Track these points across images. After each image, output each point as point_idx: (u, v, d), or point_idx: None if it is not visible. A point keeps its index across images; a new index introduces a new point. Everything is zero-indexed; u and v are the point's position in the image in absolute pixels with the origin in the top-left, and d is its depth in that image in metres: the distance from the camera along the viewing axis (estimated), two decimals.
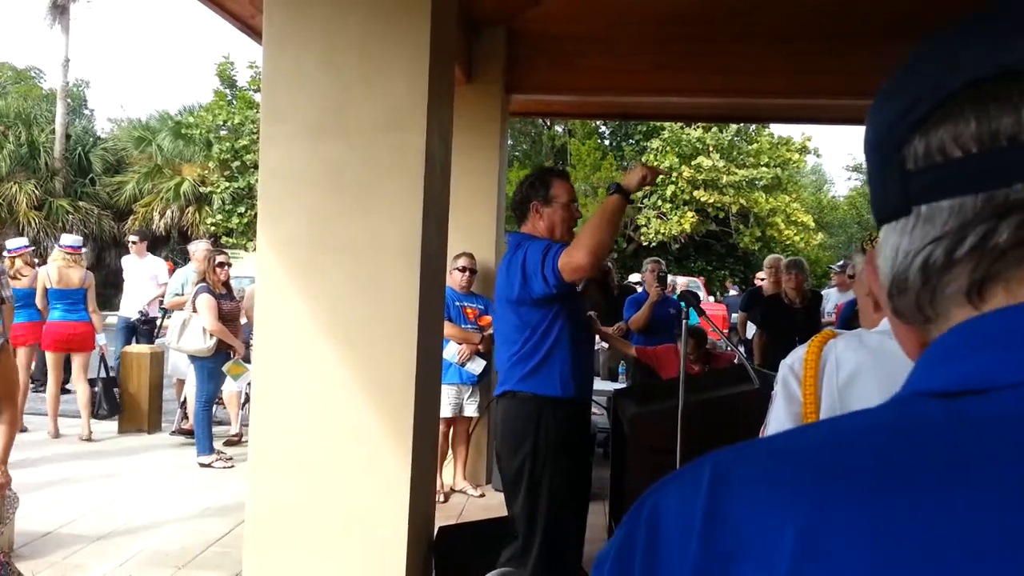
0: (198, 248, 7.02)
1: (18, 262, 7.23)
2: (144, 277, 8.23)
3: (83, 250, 7.35)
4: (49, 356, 6.95)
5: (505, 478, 3.04)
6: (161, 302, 7.89)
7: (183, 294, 6.89)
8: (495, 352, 3.20)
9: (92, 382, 7.20)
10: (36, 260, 7.74)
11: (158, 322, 8.05)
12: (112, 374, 7.59)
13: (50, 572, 3.89)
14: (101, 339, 7.15)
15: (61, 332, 6.80)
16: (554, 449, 2.86)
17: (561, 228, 3.00)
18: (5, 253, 7.48)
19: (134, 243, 8.52)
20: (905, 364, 1.54)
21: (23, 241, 7.72)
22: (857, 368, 1.41)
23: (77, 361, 7.00)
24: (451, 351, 5.17)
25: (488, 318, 5.19)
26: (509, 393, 2.96)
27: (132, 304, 8.13)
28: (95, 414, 7.17)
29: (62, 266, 6.88)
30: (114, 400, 7.44)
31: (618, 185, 2.76)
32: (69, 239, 7.23)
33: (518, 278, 2.82)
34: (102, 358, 7.46)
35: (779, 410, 1.53)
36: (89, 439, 6.75)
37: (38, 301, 6.93)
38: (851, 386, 1.40)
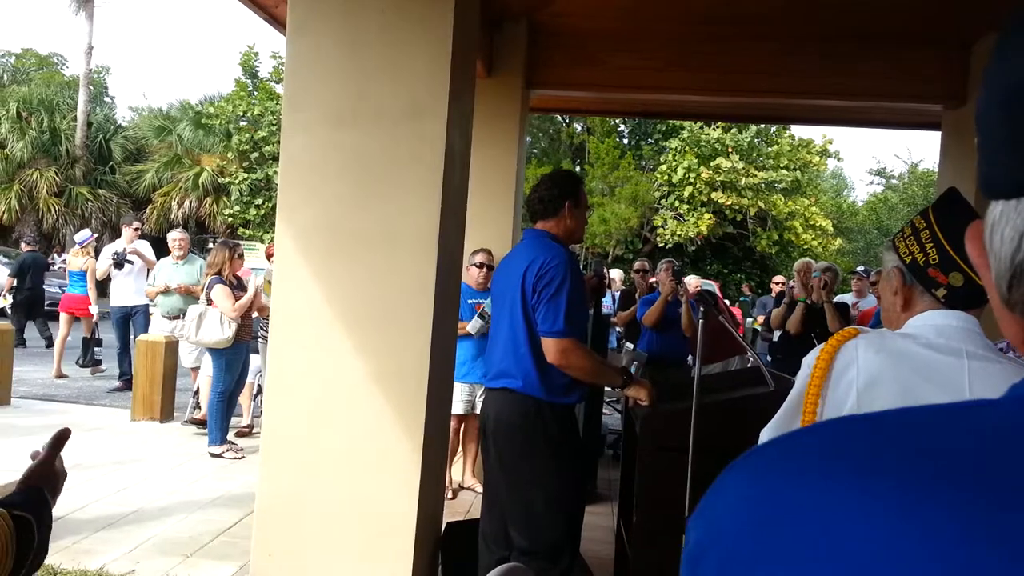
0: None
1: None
2: (136, 265, 8.37)
3: (87, 243, 9.23)
4: (62, 316, 9.27)
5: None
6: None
7: (154, 284, 7.56)
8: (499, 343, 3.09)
9: (85, 340, 9.50)
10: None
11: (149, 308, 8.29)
12: (98, 336, 9.52)
13: (60, 557, 3.90)
14: (94, 308, 9.14)
15: (68, 301, 9.33)
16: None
17: (580, 231, 3.12)
18: (77, 245, 9.28)
19: (137, 230, 8.75)
20: (927, 371, 1.47)
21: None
22: (878, 371, 1.36)
23: (81, 321, 9.38)
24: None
25: (483, 304, 5.15)
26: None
27: (123, 293, 8.36)
28: (78, 362, 9.57)
29: (71, 256, 9.49)
30: (93, 358, 9.45)
31: (627, 379, 3.10)
32: (79, 236, 9.44)
33: (532, 296, 2.87)
34: (94, 324, 9.37)
35: (786, 403, 1.50)
36: (61, 376, 9.10)
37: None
38: (871, 390, 1.36)
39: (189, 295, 7.35)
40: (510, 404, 2.94)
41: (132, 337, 8.20)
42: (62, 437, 1.35)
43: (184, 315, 7.24)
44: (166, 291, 7.38)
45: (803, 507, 0.38)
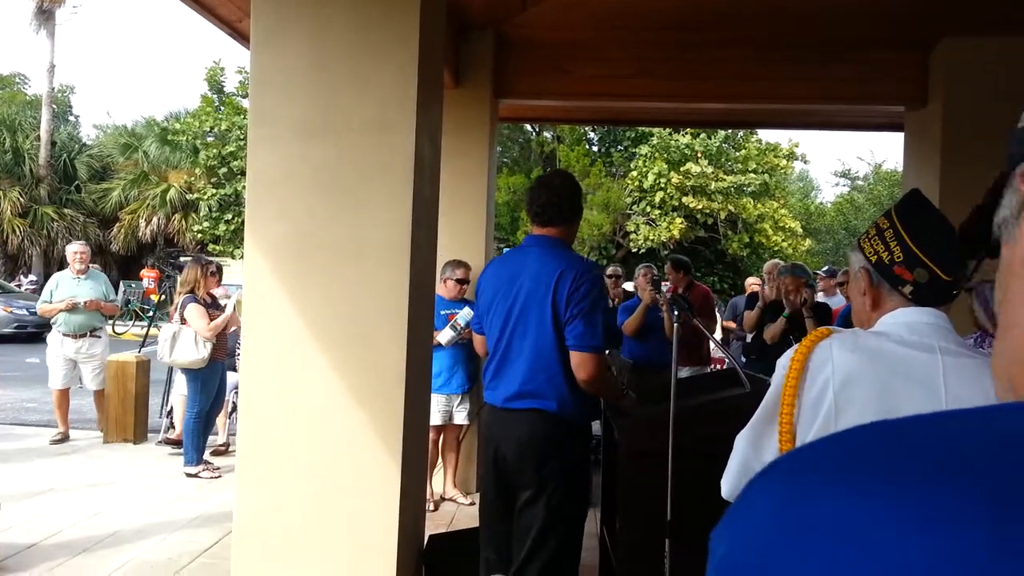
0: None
1: None
2: None
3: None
4: None
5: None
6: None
7: (52, 301, 6.82)
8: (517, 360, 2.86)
9: None
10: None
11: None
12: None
13: None
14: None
15: None
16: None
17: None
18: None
19: None
20: (903, 368, 1.48)
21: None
22: (854, 370, 1.38)
23: None
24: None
25: (456, 315, 5.13)
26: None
27: None
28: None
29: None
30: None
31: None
32: None
33: (565, 310, 2.72)
34: None
35: (762, 405, 1.51)
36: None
37: None
38: (848, 388, 1.37)
39: (99, 311, 6.94)
40: (539, 426, 2.77)
41: None
42: None
43: (92, 333, 6.91)
44: (71, 308, 6.78)
45: (840, 518, 0.35)
